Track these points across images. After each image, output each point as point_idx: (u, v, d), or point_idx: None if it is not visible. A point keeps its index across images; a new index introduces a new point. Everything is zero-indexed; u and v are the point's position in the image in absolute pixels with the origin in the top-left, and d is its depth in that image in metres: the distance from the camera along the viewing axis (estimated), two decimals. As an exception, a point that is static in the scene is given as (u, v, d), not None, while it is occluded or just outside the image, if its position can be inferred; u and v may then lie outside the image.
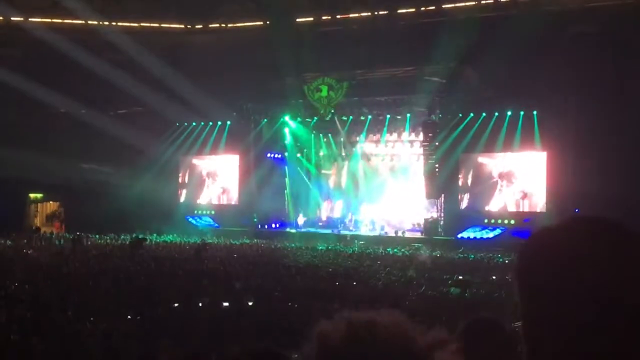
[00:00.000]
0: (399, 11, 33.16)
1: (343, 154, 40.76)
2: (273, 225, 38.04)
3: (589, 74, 28.00)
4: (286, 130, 39.48)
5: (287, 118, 38.60)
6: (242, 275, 17.40)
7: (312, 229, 37.38)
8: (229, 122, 38.88)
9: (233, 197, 39.68)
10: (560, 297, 1.45)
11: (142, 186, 35.94)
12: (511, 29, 27.38)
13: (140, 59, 33.48)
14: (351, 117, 37.28)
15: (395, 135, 38.04)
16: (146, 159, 37.68)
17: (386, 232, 35.00)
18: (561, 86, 28.87)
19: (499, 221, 32.53)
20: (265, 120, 38.63)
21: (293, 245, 30.06)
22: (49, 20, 35.46)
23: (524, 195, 32.53)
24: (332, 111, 36.10)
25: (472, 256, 25.95)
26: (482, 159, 33.58)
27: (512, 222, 31.99)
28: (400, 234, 34.18)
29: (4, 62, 33.88)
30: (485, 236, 32.14)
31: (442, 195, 34.26)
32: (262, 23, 36.12)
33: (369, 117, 36.91)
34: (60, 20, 35.56)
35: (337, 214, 39.81)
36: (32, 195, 39.96)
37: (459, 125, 33.18)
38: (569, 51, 28.39)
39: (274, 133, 38.98)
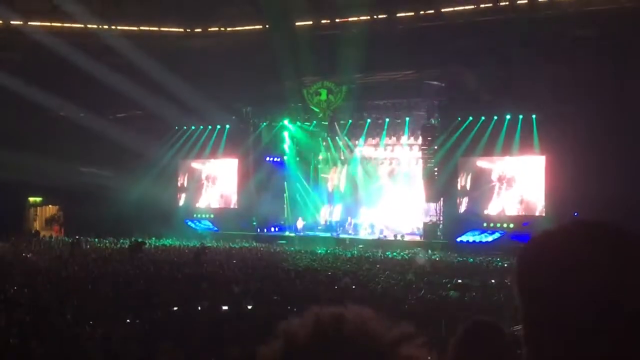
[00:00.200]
0: (398, 15, 33.15)
1: (342, 157, 40.75)
2: (272, 229, 38.03)
3: (587, 78, 28.02)
4: (285, 134, 39.49)
5: (286, 122, 38.62)
6: (241, 278, 17.38)
7: (311, 233, 37.39)
8: (228, 126, 38.88)
9: (232, 200, 39.66)
10: (560, 300, 1.46)
11: (141, 190, 35.92)
12: (510, 33, 27.44)
13: (139, 62, 33.46)
14: (350, 120, 37.31)
15: (394, 139, 38.05)
16: (145, 163, 37.67)
17: (385, 236, 34.99)
18: (560, 90, 28.87)
19: (498, 225, 32.53)
20: (265, 123, 38.63)
21: (292, 249, 30.06)
22: (49, 24, 35.44)
23: (523, 199, 32.54)
24: (332, 115, 36.14)
25: (471, 260, 25.93)
26: (481, 162, 33.59)
27: (511, 225, 31.98)
28: (399, 237, 34.20)
29: (4, 65, 33.83)
30: (484, 240, 32.14)
31: (441, 199, 34.26)
32: (261, 27, 36.11)
33: (368, 120, 36.96)
34: (59, 24, 35.53)
35: (336, 218, 39.79)
36: (31, 199, 39.97)
37: (458, 128, 33.17)
38: (568, 55, 28.43)
39: (273, 137, 38.99)
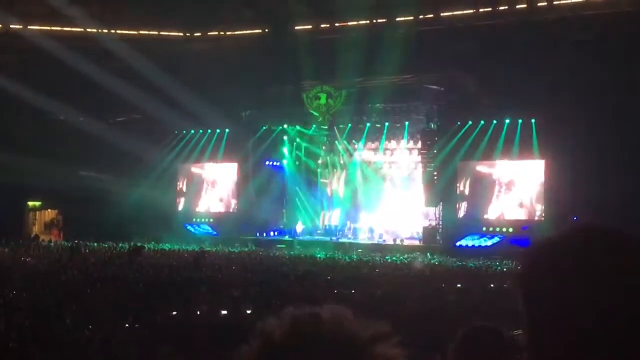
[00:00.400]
0: (398, 19, 33.21)
1: (342, 161, 40.74)
2: (271, 233, 38.02)
3: (587, 82, 28.04)
4: (285, 138, 39.49)
5: (285, 126, 38.62)
6: (240, 283, 17.37)
7: (310, 237, 37.38)
8: (227, 130, 38.89)
9: (231, 205, 39.68)
10: (563, 305, 1.47)
11: (140, 194, 35.95)
12: (509, 37, 27.48)
13: (138, 66, 33.50)
14: (350, 125, 37.31)
15: (393, 143, 38.09)
16: (145, 167, 37.71)
17: (384, 240, 34.96)
18: (559, 94, 28.90)
19: (497, 229, 32.53)
20: (264, 128, 38.61)
21: (291, 253, 30.04)
22: (48, 27, 35.50)
23: (522, 203, 32.55)
24: (331, 119, 36.17)
25: (471, 264, 25.92)
26: (480, 167, 33.61)
27: (510, 230, 31.98)
28: (398, 242, 34.17)
29: (3, 69, 33.90)
30: (483, 244, 32.13)
31: (441, 203, 34.27)
32: (260, 31, 36.18)
33: (368, 125, 36.97)
34: (59, 28, 35.59)
35: (335, 222, 39.75)
36: (30, 203, 39.95)
37: (457, 133, 33.20)
38: (567, 59, 28.44)
39: (272, 141, 38.97)
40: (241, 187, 38.68)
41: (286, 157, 39.88)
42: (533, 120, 31.18)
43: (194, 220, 39.91)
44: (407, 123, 35.83)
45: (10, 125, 34.50)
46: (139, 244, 27.89)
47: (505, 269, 22.91)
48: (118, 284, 16.44)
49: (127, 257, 24.21)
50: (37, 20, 35.39)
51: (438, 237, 33.75)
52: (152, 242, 31.92)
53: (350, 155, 39.91)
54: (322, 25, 34.91)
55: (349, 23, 34.37)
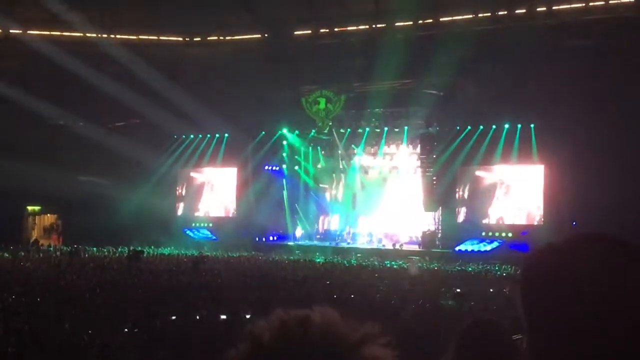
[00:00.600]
0: (397, 24, 33.22)
1: (341, 166, 40.78)
2: (271, 238, 38.01)
3: (586, 86, 28.07)
4: (284, 143, 39.50)
5: (285, 131, 38.62)
6: (239, 287, 17.38)
7: (310, 242, 37.39)
8: (226, 135, 38.93)
9: (231, 209, 39.67)
10: (563, 311, 1.47)
11: (140, 199, 35.93)
12: (508, 42, 27.50)
13: (138, 71, 33.51)
14: (349, 129, 37.34)
15: (393, 147, 38.12)
16: (144, 172, 37.69)
17: (384, 245, 34.98)
18: (558, 99, 28.92)
19: (497, 234, 32.56)
20: (263, 132, 38.60)
21: (291, 257, 30.04)
22: (48, 32, 35.49)
23: (521, 208, 32.55)
24: (330, 124, 36.18)
25: (470, 269, 25.92)
26: (479, 171, 33.63)
27: (510, 234, 32.01)
28: (397, 246, 34.17)
29: (2, 74, 33.90)
30: (482, 249, 32.14)
31: (440, 207, 34.28)
32: (260, 36, 36.17)
33: (367, 129, 36.98)
34: (58, 33, 35.58)
35: (334, 227, 39.80)
36: (29, 208, 39.92)
37: (456, 138, 33.26)
38: (566, 64, 28.46)
39: (271, 146, 38.96)
40: (240, 191, 38.69)
41: (285, 161, 39.88)
42: (532, 125, 31.24)
43: (193, 224, 39.90)
44: (406, 128, 35.84)
45: (9, 130, 34.48)
46: (138, 249, 27.87)
47: (504, 274, 22.92)
48: (117, 289, 16.44)
49: (126, 262, 24.23)
50: (36, 25, 35.38)
51: (437, 242, 33.76)
52: (152, 247, 31.93)
53: (350, 159, 39.93)
54: (322, 30, 34.90)
55: (349, 28, 34.38)
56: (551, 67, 28.79)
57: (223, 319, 12.33)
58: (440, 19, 32.52)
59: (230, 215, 39.51)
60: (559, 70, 28.52)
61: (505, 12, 31.39)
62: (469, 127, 32.92)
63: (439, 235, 34.06)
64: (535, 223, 31.90)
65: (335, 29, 34.64)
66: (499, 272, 23.93)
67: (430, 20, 32.78)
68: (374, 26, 33.79)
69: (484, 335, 3.32)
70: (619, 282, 1.46)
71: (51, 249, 31.86)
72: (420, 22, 32.95)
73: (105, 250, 30.60)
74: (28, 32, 35.42)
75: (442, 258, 30.18)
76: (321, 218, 40.91)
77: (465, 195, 33.95)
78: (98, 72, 33.69)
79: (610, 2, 29.75)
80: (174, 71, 34.65)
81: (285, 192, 39.58)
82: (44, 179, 32.16)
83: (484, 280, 21.35)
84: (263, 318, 1.37)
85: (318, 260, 28.92)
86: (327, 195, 41.51)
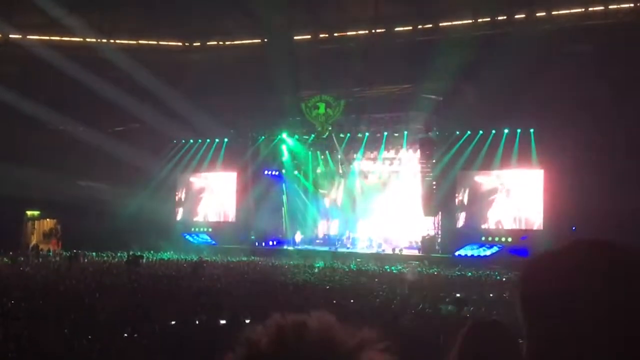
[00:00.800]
0: (396, 29, 33.27)
1: (340, 171, 40.75)
2: (270, 243, 37.99)
3: (585, 91, 28.10)
4: (283, 148, 39.49)
5: (284, 135, 38.63)
6: (239, 292, 17.36)
7: (309, 247, 37.33)
8: (226, 140, 38.96)
9: (230, 214, 39.63)
10: (563, 317, 1.47)
11: (139, 203, 35.89)
12: (508, 47, 27.52)
13: (137, 76, 33.53)
14: (348, 134, 37.34)
15: (392, 152, 38.11)
16: (143, 176, 37.68)
17: (383, 250, 34.92)
18: (558, 104, 28.95)
19: (496, 239, 32.53)
20: (263, 137, 38.66)
21: (290, 262, 30.01)
22: (47, 37, 35.54)
23: (521, 213, 32.53)
24: (330, 128, 36.18)
25: (470, 274, 25.90)
26: (479, 176, 33.62)
27: (509, 239, 31.98)
28: (397, 251, 34.13)
29: (2, 79, 33.91)
30: (482, 254, 32.11)
31: (440, 212, 34.27)
32: (259, 40, 36.23)
33: (367, 134, 36.98)
34: (58, 38, 35.64)
35: (334, 232, 39.77)
36: (29, 213, 39.88)
37: (456, 142, 33.27)
38: (566, 69, 28.48)
39: (271, 150, 39.00)
40: (240, 196, 38.66)
41: (285, 166, 39.88)
42: (532, 130, 31.24)
43: (193, 229, 39.87)
44: (405, 133, 35.85)
45: (8, 135, 34.50)
46: (137, 254, 27.88)
47: (504, 279, 22.90)
48: (117, 294, 16.42)
49: (125, 267, 24.22)
50: (36, 30, 35.43)
51: (437, 247, 33.74)
52: (151, 252, 31.91)
53: (349, 164, 39.92)
54: (321, 35, 34.97)
55: (348, 33, 34.44)
56: (551, 72, 28.78)
57: (222, 323, 12.32)
58: (440, 24, 32.58)
59: (230, 220, 39.48)
60: (559, 75, 28.53)
61: (505, 17, 31.48)
62: (469, 132, 32.94)
63: (439, 240, 34.03)
64: (535, 228, 31.86)
65: (335, 34, 34.73)
66: (498, 277, 23.90)
67: (430, 26, 32.86)
68: (373, 31, 33.85)
69: (487, 336, 3.31)
70: (618, 287, 1.46)
71: (50, 253, 31.79)
72: (420, 27, 33.02)
73: (104, 255, 30.56)
74: (28, 37, 35.48)
75: (441, 263, 30.15)
76: (321, 223, 40.89)
77: (465, 200, 33.93)
78: (98, 77, 33.69)
79: (609, 7, 29.82)
80: (173, 76, 34.65)
81: (284, 197, 39.60)
82: (43, 184, 32.15)
83: (484, 285, 21.32)
84: (262, 323, 1.36)
85: (317, 265, 28.89)
86: (327, 200, 41.47)
